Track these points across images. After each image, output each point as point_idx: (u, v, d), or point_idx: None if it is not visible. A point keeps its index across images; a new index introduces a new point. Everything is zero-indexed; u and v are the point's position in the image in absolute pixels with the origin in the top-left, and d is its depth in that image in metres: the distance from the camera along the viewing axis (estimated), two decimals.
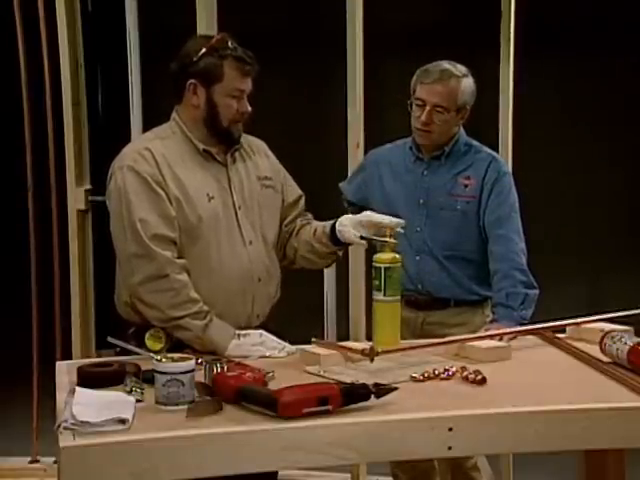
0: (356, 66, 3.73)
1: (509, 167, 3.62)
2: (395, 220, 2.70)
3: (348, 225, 2.73)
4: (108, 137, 4.07)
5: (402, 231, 2.72)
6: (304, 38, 5.12)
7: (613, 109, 5.17)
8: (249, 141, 2.82)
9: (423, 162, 3.24)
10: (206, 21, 3.74)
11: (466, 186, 3.18)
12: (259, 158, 2.83)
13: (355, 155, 3.75)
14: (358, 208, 3.40)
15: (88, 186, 4.11)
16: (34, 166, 4.21)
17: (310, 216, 2.91)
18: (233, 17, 3.67)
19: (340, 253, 2.86)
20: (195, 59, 2.63)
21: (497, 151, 3.60)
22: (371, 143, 3.61)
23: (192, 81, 2.65)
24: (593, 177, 5.26)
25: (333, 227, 2.76)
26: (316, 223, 2.85)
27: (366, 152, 3.62)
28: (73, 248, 4.06)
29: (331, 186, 3.56)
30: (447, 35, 4.86)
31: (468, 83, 3.15)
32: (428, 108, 3.11)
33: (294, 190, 2.89)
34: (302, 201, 2.90)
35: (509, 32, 3.76)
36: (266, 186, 2.79)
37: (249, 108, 2.70)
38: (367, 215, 2.74)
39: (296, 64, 5.15)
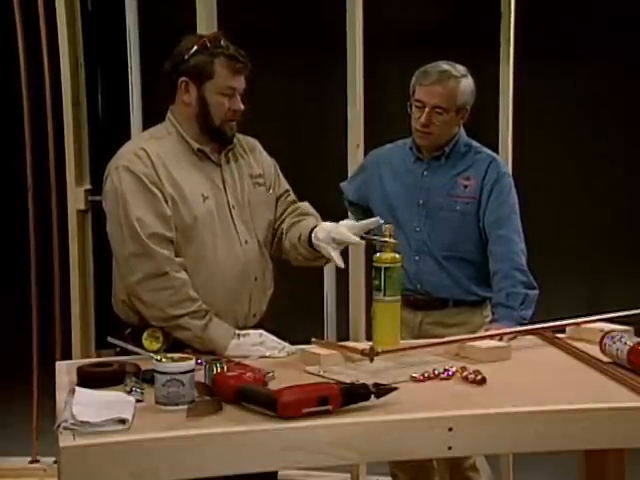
0: (356, 66, 3.73)
1: (509, 167, 3.63)
2: (358, 240, 2.67)
3: (322, 241, 2.68)
4: (108, 137, 4.07)
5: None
6: (304, 38, 5.12)
7: (613, 109, 5.17)
8: (242, 140, 2.82)
9: (423, 162, 3.24)
10: (206, 21, 3.75)
11: (466, 187, 3.18)
12: (252, 156, 2.83)
13: (355, 155, 3.75)
14: (359, 208, 3.41)
15: (88, 186, 4.11)
16: (34, 166, 4.21)
17: (301, 209, 2.86)
18: (233, 17, 3.68)
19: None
20: (186, 57, 2.64)
21: (497, 151, 3.61)
22: (371, 143, 3.61)
23: (183, 79, 2.65)
24: (593, 177, 5.25)
25: (311, 237, 2.72)
26: (303, 225, 2.79)
27: (366, 152, 3.62)
28: (73, 248, 4.06)
29: (331, 186, 3.56)
30: (447, 35, 4.86)
31: (467, 83, 3.15)
32: (427, 109, 3.11)
33: (282, 185, 2.89)
34: (288, 194, 2.89)
35: (509, 32, 3.76)
36: (259, 184, 2.80)
37: (242, 106, 2.70)
38: (339, 233, 2.66)
39: (296, 64, 5.14)
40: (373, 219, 2.70)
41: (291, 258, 2.83)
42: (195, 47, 2.64)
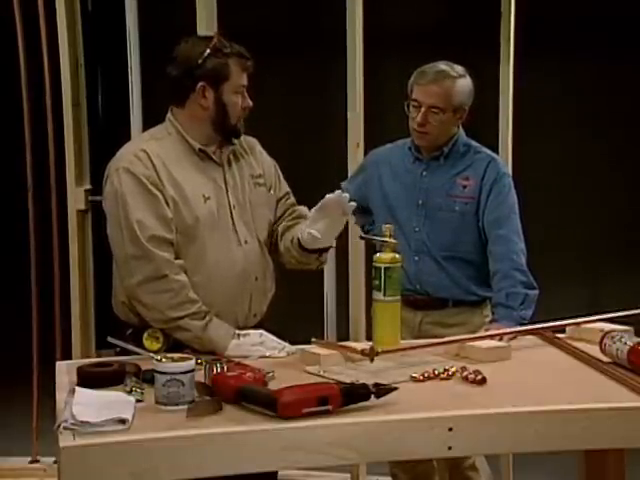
0: (356, 66, 3.73)
1: (509, 167, 3.63)
2: (336, 194, 2.65)
3: (304, 229, 2.68)
4: (108, 137, 4.07)
5: (353, 204, 2.66)
6: (304, 38, 5.12)
7: (613, 109, 5.17)
8: (242, 139, 2.81)
9: (422, 163, 3.24)
10: (206, 21, 3.74)
11: (465, 187, 3.18)
12: (252, 156, 2.83)
13: (355, 155, 3.75)
14: (359, 208, 3.41)
15: (88, 186, 4.11)
16: (34, 166, 4.21)
17: (298, 212, 2.87)
18: (233, 17, 3.68)
19: (323, 258, 2.81)
20: (200, 61, 2.63)
21: (497, 151, 3.60)
22: (371, 143, 3.61)
23: (202, 84, 2.64)
24: (593, 177, 5.26)
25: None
26: (296, 228, 2.78)
27: (366, 152, 3.62)
28: (73, 248, 4.05)
29: (331, 186, 3.55)
30: (447, 35, 4.86)
31: (464, 83, 3.15)
32: (424, 109, 3.11)
33: (282, 187, 2.89)
34: (289, 197, 2.89)
35: (509, 32, 3.76)
36: (259, 184, 2.80)
37: (251, 103, 2.72)
38: (314, 209, 2.67)
39: (296, 64, 5.14)
40: (337, 192, 2.67)
41: (285, 261, 2.84)
42: (208, 50, 2.63)
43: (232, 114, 2.68)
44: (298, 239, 2.72)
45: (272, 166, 2.88)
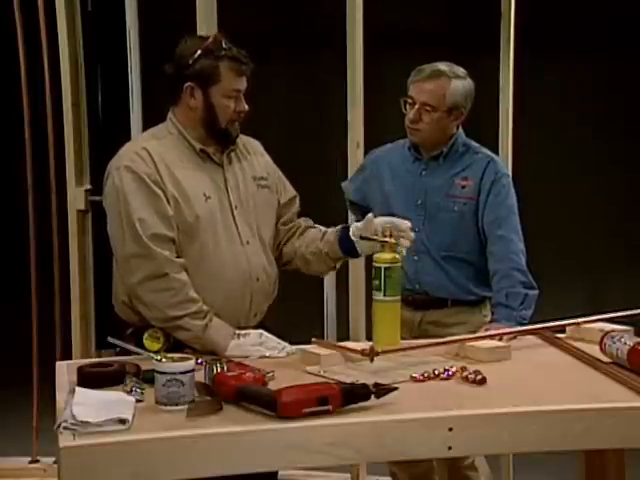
0: (356, 66, 3.73)
1: (509, 167, 3.63)
2: (403, 222, 2.68)
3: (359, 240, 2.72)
4: (108, 137, 4.07)
5: (412, 234, 2.69)
6: (304, 38, 5.12)
7: (613, 110, 5.18)
8: (244, 141, 2.82)
9: (422, 163, 3.24)
10: (206, 21, 3.74)
11: (463, 187, 3.18)
12: (255, 158, 2.83)
13: (355, 155, 3.74)
14: (359, 207, 3.41)
15: (88, 186, 4.10)
16: (34, 166, 4.21)
17: (311, 221, 2.91)
18: (233, 17, 3.68)
19: (338, 264, 2.87)
20: (190, 62, 2.63)
21: (497, 151, 3.61)
22: (371, 143, 3.61)
23: (189, 84, 2.64)
24: (593, 177, 5.26)
25: (343, 235, 2.76)
26: (324, 228, 2.85)
27: (366, 152, 3.62)
28: (73, 248, 4.05)
29: (331, 186, 3.56)
30: (447, 35, 4.87)
31: (461, 85, 3.13)
32: (417, 106, 3.12)
33: (288, 190, 2.90)
34: (296, 201, 2.91)
35: (509, 32, 3.76)
36: (262, 186, 2.80)
37: (246, 107, 2.70)
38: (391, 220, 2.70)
39: (296, 64, 5.15)
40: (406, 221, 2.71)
41: (295, 258, 2.85)
42: (199, 51, 2.62)
43: (221, 117, 2.66)
44: (342, 236, 2.75)
45: (276, 170, 2.88)
